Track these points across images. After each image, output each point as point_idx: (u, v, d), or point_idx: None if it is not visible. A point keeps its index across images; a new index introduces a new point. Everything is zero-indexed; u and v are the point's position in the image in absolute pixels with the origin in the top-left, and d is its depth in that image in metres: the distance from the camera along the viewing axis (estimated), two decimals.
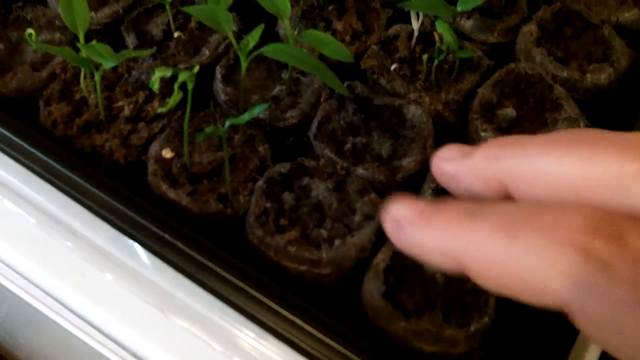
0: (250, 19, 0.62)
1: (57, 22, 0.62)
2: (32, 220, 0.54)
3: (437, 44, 0.59)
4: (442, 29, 0.58)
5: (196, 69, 0.45)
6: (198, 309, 0.50)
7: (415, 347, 0.46)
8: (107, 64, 0.49)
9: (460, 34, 0.65)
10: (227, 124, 0.46)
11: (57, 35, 0.61)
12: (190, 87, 0.45)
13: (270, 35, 0.64)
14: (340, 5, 0.66)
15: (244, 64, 0.50)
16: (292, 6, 0.63)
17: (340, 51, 0.52)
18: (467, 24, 0.65)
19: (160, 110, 0.51)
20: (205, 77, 0.60)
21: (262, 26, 0.50)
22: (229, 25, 0.50)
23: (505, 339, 0.49)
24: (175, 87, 0.44)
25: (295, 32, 0.58)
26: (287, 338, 0.47)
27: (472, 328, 0.46)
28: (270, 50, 0.49)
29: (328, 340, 0.45)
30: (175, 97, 0.44)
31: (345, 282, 0.51)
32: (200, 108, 0.57)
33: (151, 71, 0.58)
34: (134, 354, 0.50)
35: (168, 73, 0.44)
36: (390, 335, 0.46)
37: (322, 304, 0.47)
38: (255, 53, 0.49)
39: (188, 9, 0.52)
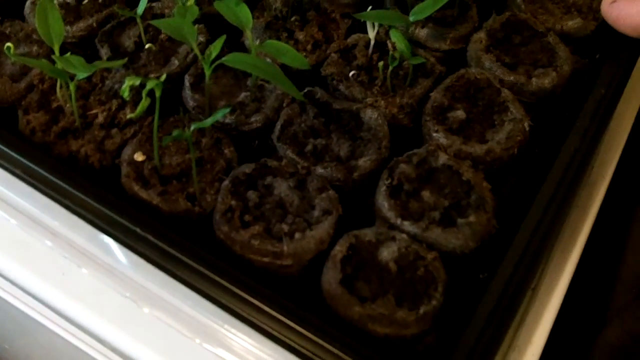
0: (218, 31, 0.65)
1: (35, 36, 0.65)
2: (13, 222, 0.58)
3: (391, 52, 0.63)
4: (395, 38, 0.62)
5: (163, 77, 0.49)
6: (169, 299, 0.53)
7: (370, 330, 0.50)
8: (80, 74, 0.52)
9: (416, 43, 0.69)
10: (192, 127, 0.50)
11: (35, 48, 0.65)
12: (157, 94, 0.49)
13: (237, 46, 0.68)
14: (303, 17, 0.70)
15: (207, 72, 0.54)
16: (257, 18, 0.68)
17: (297, 59, 0.56)
18: (422, 33, 0.69)
19: (130, 116, 0.55)
20: (175, 85, 0.63)
21: (224, 37, 0.54)
22: (193, 37, 0.54)
23: (458, 324, 0.52)
24: (143, 94, 0.48)
25: (257, 42, 0.62)
26: (253, 323, 0.50)
27: (421, 311, 0.50)
28: (230, 59, 0.53)
29: (291, 324, 0.48)
30: (143, 103, 0.48)
31: (308, 275, 0.54)
32: (171, 115, 0.61)
33: (123, 81, 0.61)
34: (104, 341, 0.53)
35: (137, 81, 0.48)
36: (347, 320, 0.50)
37: (286, 294, 0.50)
38: (217, 62, 0.53)
39: (156, 22, 0.55)
